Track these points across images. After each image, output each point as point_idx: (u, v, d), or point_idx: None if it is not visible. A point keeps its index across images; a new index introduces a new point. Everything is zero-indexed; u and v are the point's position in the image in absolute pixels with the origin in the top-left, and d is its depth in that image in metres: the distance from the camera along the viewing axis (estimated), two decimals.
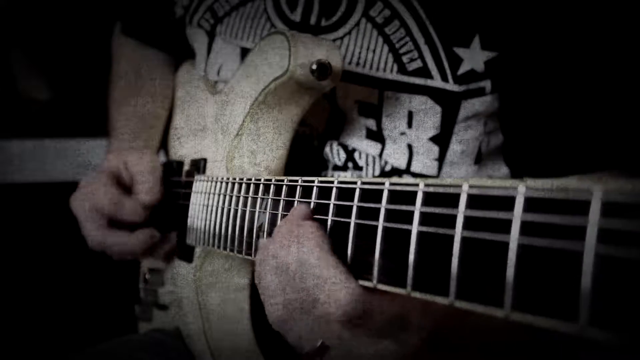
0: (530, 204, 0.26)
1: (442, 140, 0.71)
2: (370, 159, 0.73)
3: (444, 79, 0.67)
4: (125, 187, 0.80)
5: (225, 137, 0.71)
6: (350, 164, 0.74)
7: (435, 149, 0.71)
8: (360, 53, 0.70)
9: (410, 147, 0.71)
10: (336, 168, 0.75)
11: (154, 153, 0.86)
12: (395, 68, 0.68)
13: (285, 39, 0.62)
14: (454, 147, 0.71)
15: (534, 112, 0.68)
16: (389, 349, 0.45)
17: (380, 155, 0.72)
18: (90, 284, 1.45)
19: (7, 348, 1.37)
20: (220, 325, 0.72)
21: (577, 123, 0.65)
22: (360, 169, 0.73)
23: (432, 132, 0.70)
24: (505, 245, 0.27)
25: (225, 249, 0.64)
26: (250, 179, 0.61)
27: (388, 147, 0.72)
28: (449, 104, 0.69)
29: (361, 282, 0.41)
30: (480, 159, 0.73)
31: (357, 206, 0.42)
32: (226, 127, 0.72)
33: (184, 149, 0.83)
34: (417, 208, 0.34)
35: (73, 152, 1.41)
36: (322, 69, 0.60)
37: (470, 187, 0.30)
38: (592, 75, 0.64)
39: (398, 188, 0.37)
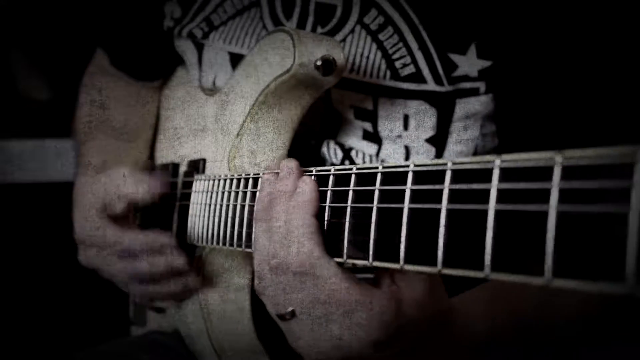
0: (507, 174, 0.31)
1: (438, 141, 0.71)
2: (367, 158, 0.73)
3: (438, 82, 0.67)
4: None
5: (225, 137, 0.72)
6: (347, 163, 0.74)
7: (432, 150, 0.71)
8: (354, 60, 0.70)
9: (407, 148, 0.72)
10: None
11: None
12: (388, 74, 0.69)
13: (289, 37, 0.62)
14: (451, 147, 0.71)
15: (529, 117, 0.68)
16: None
17: (377, 155, 0.73)
18: (91, 285, 1.45)
19: (7, 348, 1.37)
20: (222, 325, 0.73)
21: (571, 129, 0.66)
22: None
23: (429, 134, 0.71)
24: (486, 213, 0.31)
25: (224, 244, 0.65)
26: (249, 174, 0.62)
27: (385, 147, 0.72)
28: (444, 105, 0.69)
29: (357, 262, 0.45)
30: None
31: (353, 190, 0.46)
32: (226, 127, 0.72)
33: (184, 149, 0.83)
34: (409, 187, 0.38)
35: (73, 152, 1.42)
36: (327, 65, 0.60)
37: (454, 163, 0.35)
38: (589, 83, 0.64)
39: (391, 170, 0.41)
